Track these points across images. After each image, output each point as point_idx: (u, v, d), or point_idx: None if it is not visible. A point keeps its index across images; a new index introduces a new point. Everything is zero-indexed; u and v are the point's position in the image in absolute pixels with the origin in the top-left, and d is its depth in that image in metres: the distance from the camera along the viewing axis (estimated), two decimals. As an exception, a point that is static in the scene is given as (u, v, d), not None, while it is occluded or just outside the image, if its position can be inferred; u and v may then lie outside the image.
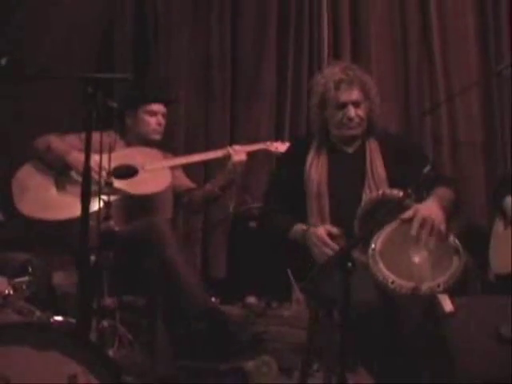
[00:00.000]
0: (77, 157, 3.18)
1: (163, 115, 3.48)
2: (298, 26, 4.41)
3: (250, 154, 3.43)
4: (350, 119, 2.81)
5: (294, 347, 3.35)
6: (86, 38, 4.31)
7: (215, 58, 4.42)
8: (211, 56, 4.42)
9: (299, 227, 2.75)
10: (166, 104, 3.54)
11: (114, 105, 2.85)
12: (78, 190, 3.04)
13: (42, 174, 3.28)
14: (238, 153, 3.36)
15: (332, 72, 2.86)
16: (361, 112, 2.83)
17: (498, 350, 2.23)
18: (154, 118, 3.44)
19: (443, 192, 2.72)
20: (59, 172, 3.28)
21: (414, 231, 2.47)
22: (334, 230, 2.67)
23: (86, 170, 2.36)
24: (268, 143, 3.54)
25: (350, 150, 2.89)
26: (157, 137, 3.47)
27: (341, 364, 2.19)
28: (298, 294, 3.56)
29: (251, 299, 3.73)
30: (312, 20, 4.39)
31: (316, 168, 2.82)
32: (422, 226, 2.47)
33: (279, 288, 3.65)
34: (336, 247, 2.61)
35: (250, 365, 3.14)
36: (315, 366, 3.02)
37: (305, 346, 2.91)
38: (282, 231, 2.78)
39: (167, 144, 3.68)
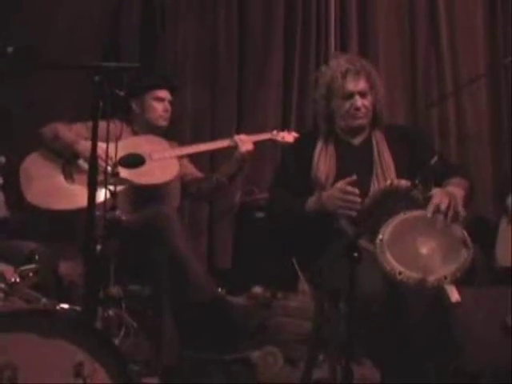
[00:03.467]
0: (86, 145, 3.17)
1: (169, 102, 3.49)
2: (306, 14, 4.38)
3: (256, 144, 3.43)
4: (357, 109, 2.81)
5: (299, 338, 3.35)
6: (92, 25, 4.30)
7: (222, 46, 4.40)
8: (218, 44, 4.40)
9: (312, 197, 2.74)
10: (172, 91, 3.54)
11: (121, 93, 2.84)
12: (85, 178, 3.06)
13: (49, 163, 3.27)
14: (245, 142, 3.36)
15: (338, 63, 2.86)
16: (367, 102, 2.83)
17: (504, 340, 2.23)
18: (160, 104, 3.46)
19: (458, 180, 2.72)
20: (67, 161, 3.28)
21: (430, 211, 2.45)
22: (348, 179, 2.65)
23: (93, 159, 2.36)
24: (274, 133, 3.55)
25: (356, 141, 2.89)
26: (164, 123, 3.48)
27: (346, 355, 2.19)
28: (303, 285, 3.55)
29: (257, 290, 3.73)
30: (319, 9, 4.37)
31: (324, 160, 2.82)
32: (440, 202, 2.45)
33: (285, 278, 3.65)
34: (357, 192, 2.61)
35: (255, 355, 3.15)
36: (321, 357, 3.02)
37: (310, 337, 2.91)
38: (298, 208, 2.74)
39: (173, 132, 3.68)
